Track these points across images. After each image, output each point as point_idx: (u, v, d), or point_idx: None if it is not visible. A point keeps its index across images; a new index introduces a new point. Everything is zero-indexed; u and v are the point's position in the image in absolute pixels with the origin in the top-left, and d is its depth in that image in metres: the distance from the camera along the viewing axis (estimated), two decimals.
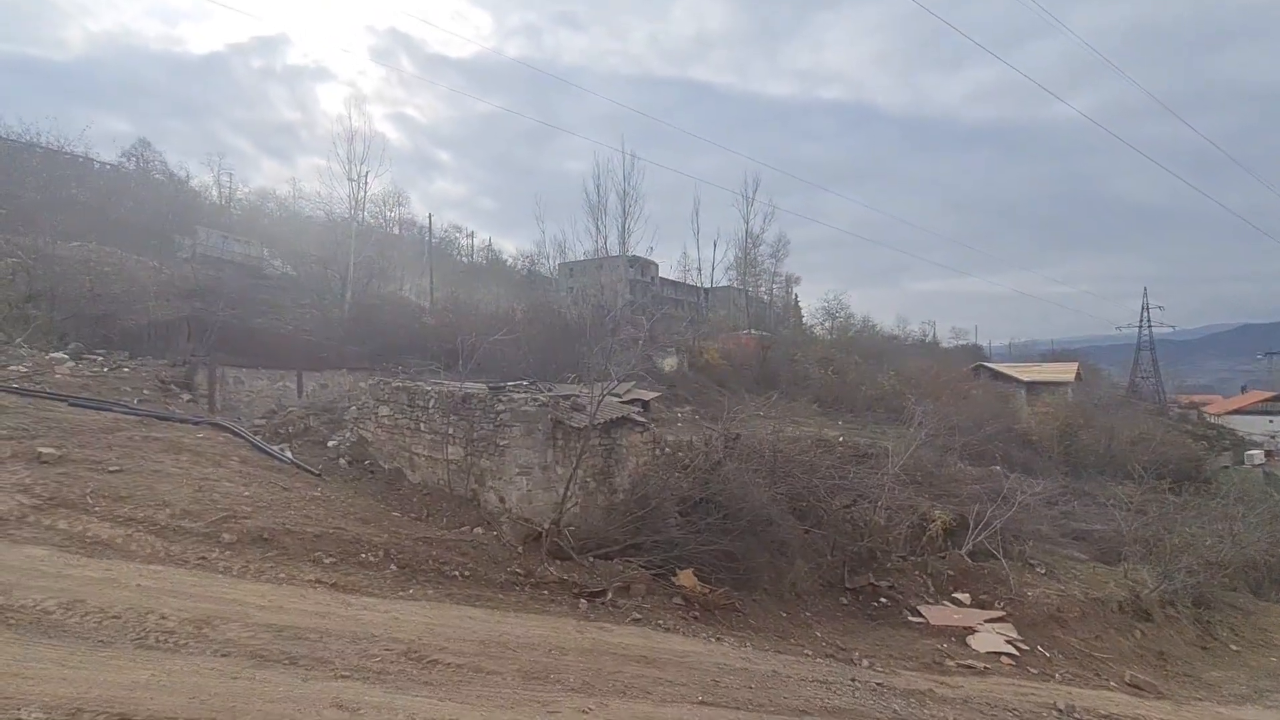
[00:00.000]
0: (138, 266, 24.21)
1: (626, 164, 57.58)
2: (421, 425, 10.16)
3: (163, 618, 5.37)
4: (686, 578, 8.97)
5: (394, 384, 10.85)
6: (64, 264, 20.66)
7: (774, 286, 79.31)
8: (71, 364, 15.70)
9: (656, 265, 73.32)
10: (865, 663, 8.17)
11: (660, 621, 7.76)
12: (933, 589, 11.75)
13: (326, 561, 7.52)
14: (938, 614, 10.60)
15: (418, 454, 10.26)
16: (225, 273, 29.16)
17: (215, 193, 47.28)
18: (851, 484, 11.97)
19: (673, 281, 75.45)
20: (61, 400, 12.39)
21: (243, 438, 11.57)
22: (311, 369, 18.93)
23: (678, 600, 8.57)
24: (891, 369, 49.73)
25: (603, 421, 9.29)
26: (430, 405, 10.07)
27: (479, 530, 8.79)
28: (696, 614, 8.42)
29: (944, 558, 12.51)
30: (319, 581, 6.96)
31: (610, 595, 8.00)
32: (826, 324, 70.25)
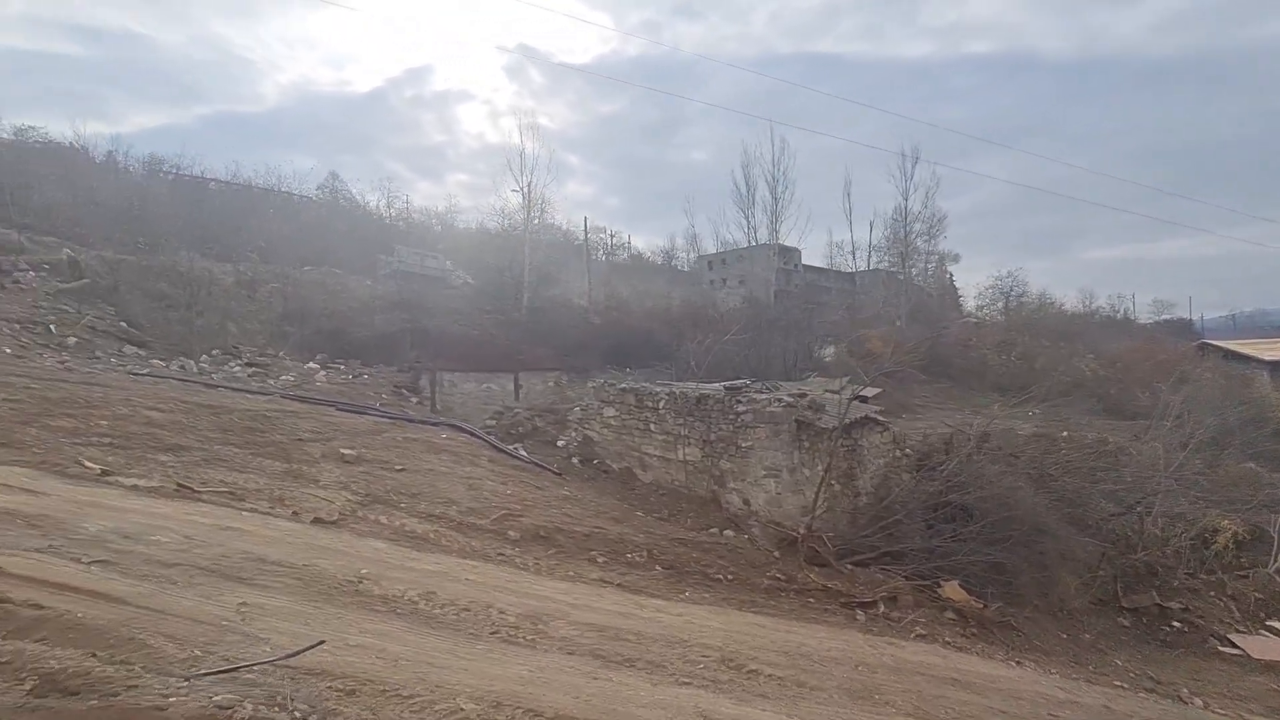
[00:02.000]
0: (357, 285, 27.57)
1: (776, 148, 54.50)
2: (652, 426, 10.38)
3: (501, 612, 5.79)
4: (953, 590, 8.28)
5: (620, 386, 11.21)
6: (305, 286, 24.05)
7: (928, 266, 73.01)
8: (324, 373, 18.14)
9: (799, 252, 70.45)
10: (1198, 702, 7.01)
11: (947, 639, 7.19)
12: (1237, 614, 9.95)
13: (600, 560, 7.82)
14: (1259, 645, 8.92)
15: (649, 454, 10.50)
16: (419, 285, 32.38)
17: (389, 213, 52.97)
18: (1125, 488, 10.46)
19: (817, 268, 72.12)
20: (331, 405, 14.23)
21: (480, 438, 12.53)
22: (509, 370, 20.31)
23: (949, 615, 7.92)
24: (1088, 351, 43.81)
25: (847, 421, 8.86)
26: (660, 406, 10.24)
27: (729, 533, 8.75)
28: (974, 630, 7.72)
29: (1245, 577, 10.56)
30: (603, 580, 7.22)
31: (881, 607, 7.56)
32: (998, 304, 63.21)
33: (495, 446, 11.94)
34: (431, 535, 7.49)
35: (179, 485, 7.43)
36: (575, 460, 11.29)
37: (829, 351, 40.21)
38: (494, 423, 13.25)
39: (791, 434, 8.84)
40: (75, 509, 6.29)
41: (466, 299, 32.63)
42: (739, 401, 9.23)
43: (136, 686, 2.05)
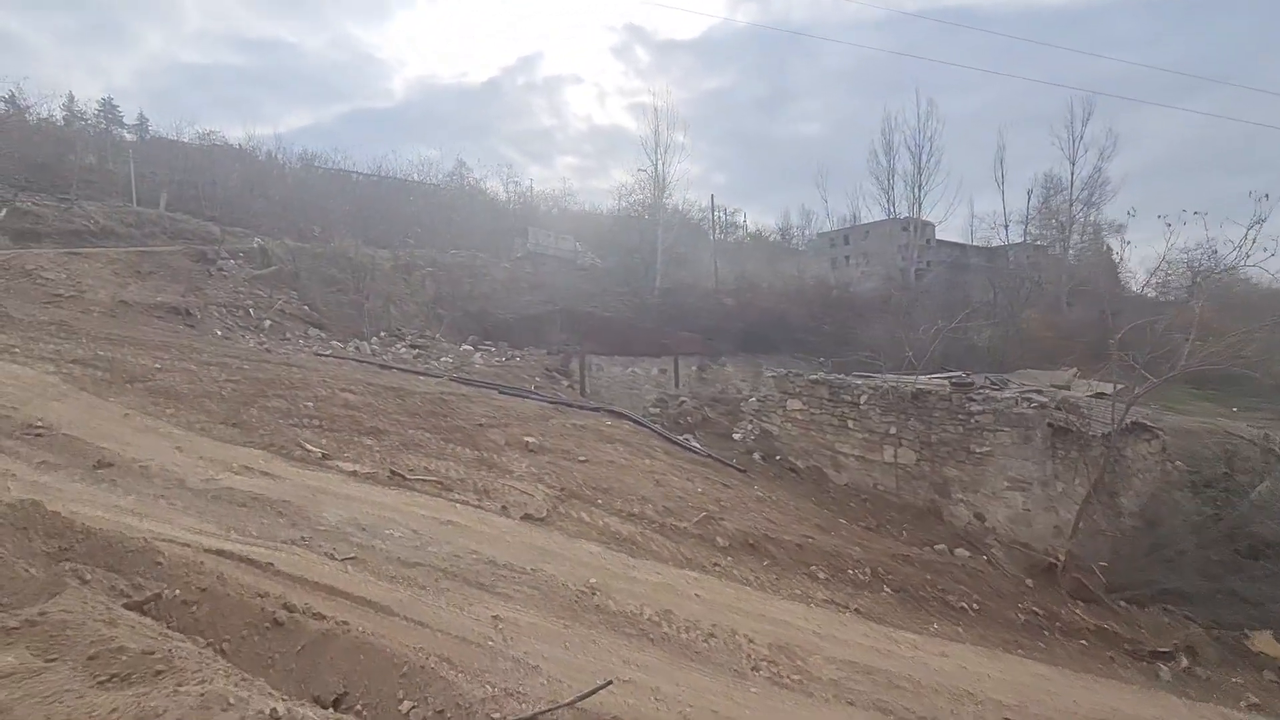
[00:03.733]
0: (495, 268, 28.35)
1: (922, 112, 48.14)
2: (850, 423, 9.33)
3: (750, 640, 5.10)
4: (1270, 645, 6.62)
5: (810, 376, 10.23)
6: (452, 270, 24.98)
7: (1083, 238, 64.53)
8: (478, 355, 18.58)
9: (933, 226, 64.66)
10: None
11: None
12: None
13: (820, 577, 6.97)
14: None
15: (844, 453, 9.48)
16: (551, 266, 32.89)
17: (511, 197, 54.53)
18: None
19: (954, 244, 65.96)
20: (494, 388, 14.34)
21: (646, 427, 12.01)
22: (653, 354, 19.83)
23: (1270, 677, 6.31)
24: None
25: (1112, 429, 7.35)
26: (862, 401, 9.16)
27: (962, 552, 7.58)
28: None
29: None
30: (834, 603, 6.37)
31: (1183, 661, 6.12)
32: (1183, 281, 54.57)
33: (666, 438, 11.38)
34: (639, 538, 6.98)
35: (391, 473, 7.42)
36: (757, 456, 10.47)
37: (985, 334, 36.43)
38: (657, 411, 12.72)
39: (1045, 440, 7.46)
40: (309, 495, 6.35)
41: (595, 280, 32.69)
42: (972, 400, 7.93)
43: None
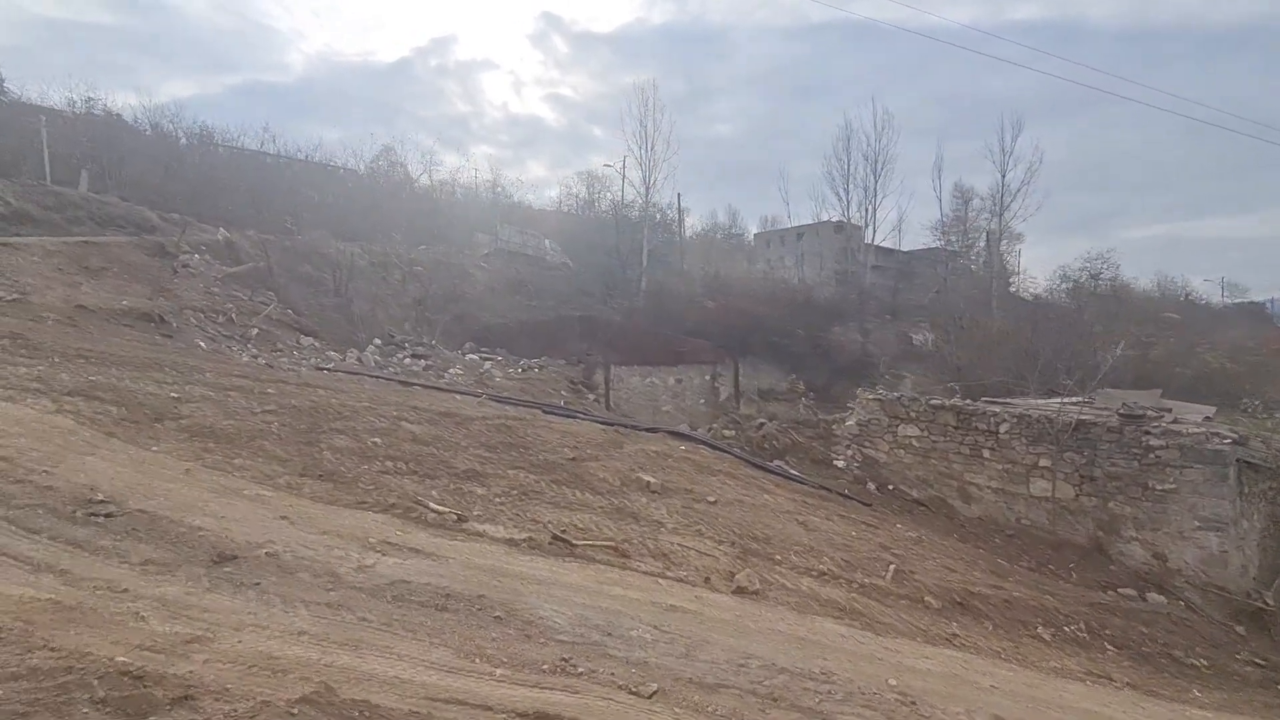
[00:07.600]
0: (473, 266, 26.23)
1: (879, 122, 48.18)
2: (985, 452, 8.83)
3: None
4: None
5: (929, 401, 9.65)
6: (433, 269, 22.76)
7: (987, 247, 69.17)
8: (489, 365, 16.88)
9: (861, 230, 67.18)
10: None
11: None
12: None
13: (1045, 638, 6.36)
14: None
15: (975, 484, 8.98)
16: (521, 265, 30.95)
17: (432, 184, 50.26)
18: None
19: (882, 248, 68.98)
20: (537, 408, 12.90)
21: (729, 453, 11.08)
22: (668, 363, 18.87)
23: None
24: (1200, 340, 40.91)
25: None
26: (1001, 430, 8.67)
27: (1156, 596, 7.21)
28: None
29: None
30: (1095, 675, 5.76)
31: None
32: (1073, 285, 59.27)
33: (760, 466, 10.49)
34: (857, 607, 6.09)
35: (554, 537, 6.11)
36: (871, 486, 9.81)
37: (919, 336, 37.76)
38: (732, 433, 11.80)
39: (1237, 478, 7.23)
40: (493, 582, 4.99)
41: (569, 281, 31.14)
42: (1149, 434, 7.60)
43: None
